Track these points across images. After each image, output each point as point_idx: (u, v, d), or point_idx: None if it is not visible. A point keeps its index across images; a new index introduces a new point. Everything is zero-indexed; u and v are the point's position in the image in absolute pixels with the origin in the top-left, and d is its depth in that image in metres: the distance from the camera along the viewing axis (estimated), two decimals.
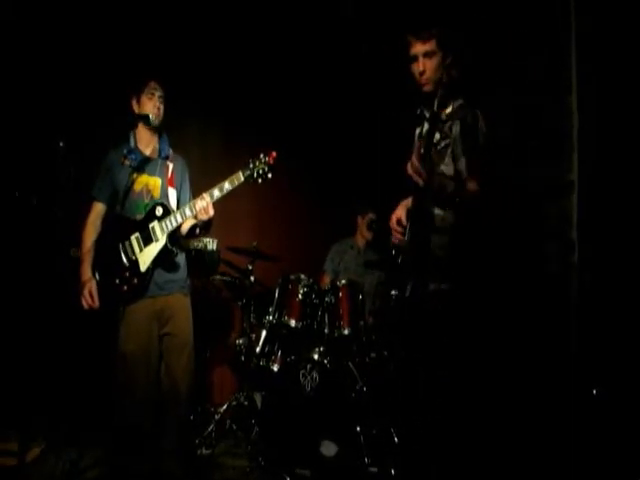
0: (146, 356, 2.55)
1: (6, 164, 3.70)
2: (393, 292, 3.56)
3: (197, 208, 2.49)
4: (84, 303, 2.58)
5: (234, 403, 3.53)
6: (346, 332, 3.20)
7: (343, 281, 3.38)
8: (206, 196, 2.49)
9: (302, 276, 3.36)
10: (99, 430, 3.01)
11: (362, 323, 3.28)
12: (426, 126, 2.31)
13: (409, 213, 2.16)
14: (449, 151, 2.16)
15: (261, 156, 2.45)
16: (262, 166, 2.43)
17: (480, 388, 2.07)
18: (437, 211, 2.17)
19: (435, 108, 2.12)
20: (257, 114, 4.29)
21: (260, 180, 2.45)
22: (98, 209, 2.73)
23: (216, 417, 3.44)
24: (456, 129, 2.15)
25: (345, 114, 4.32)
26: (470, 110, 2.16)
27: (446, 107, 2.18)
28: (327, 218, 4.41)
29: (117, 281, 2.58)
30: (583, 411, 2.30)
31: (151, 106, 2.63)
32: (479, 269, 2.15)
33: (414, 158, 2.04)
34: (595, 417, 2.25)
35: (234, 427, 3.46)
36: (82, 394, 3.37)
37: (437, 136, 2.15)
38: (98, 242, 2.67)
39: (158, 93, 2.65)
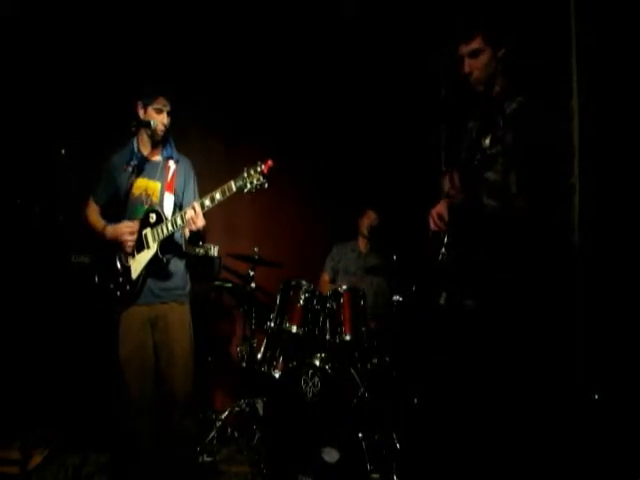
0: (140, 362, 2.55)
1: (8, 172, 3.72)
2: (395, 298, 3.57)
3: (186, 218, 2.43)
4: (127, 245, 2.56)
5: (236, 409, 3.52)
6: (348, 338, 3.20)
7: (344, 287, 3.38)
8: (196, 206, 2.42)
9: (303, 282, 3.36)
10: (101, 436, 3.02)
11: (364, 329, 3.28)
12: (478, 126, 2.13)
13: (450, 210, 2.01)
14: (500, 159, 1.93)
15: (256, 165, 2.35)
16: (256, 176, 2.32)
17: (487, 393, 2.04)
18: (483, 216, 1.99)
19: (493, 108, 1.96)
20: (258, 119, 4.30)
21: (254, 191, 2.35)
22: (92, 207, 2.76)
23: (218, 424, 3.44)
24: (510, 137, 1.91)
25: (346, 118, 4.32)
26: (530, 115, 1.91)
27: (503, 108, 1.96)
28: (328, 223, 4.40)
29: (112, 286, 2.59)
30: (584, 414, 2.30)
31: (157, 121, 2.60)
32: (520, 290, 1.97)
33: (455, 175, 1.91)
34: (596, 419, 2.24)
35: (236, 434, 3.45)
36: (84, 400, 3.37)
37: (487, 141, 1.95)
38: (98, 246, 2.67)
39: (167, 109, 2.61)
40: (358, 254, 4.12)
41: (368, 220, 4.09)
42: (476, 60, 2.01)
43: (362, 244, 4.16)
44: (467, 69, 2.03)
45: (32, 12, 3.77)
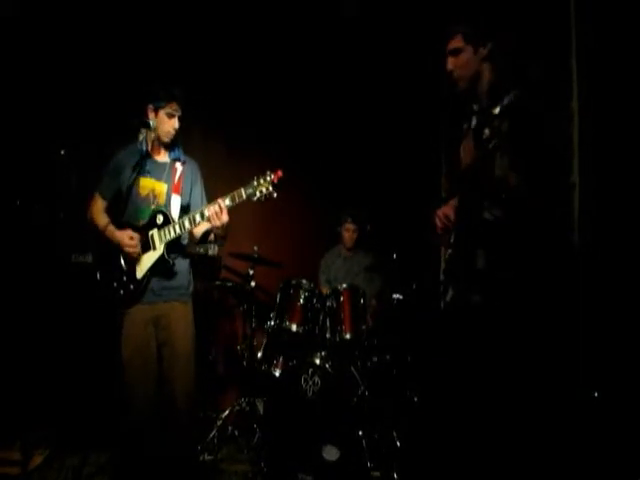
0: (143, 361, 2.54)
1: (8, 171, 3.71)
2: (395, 296, 3.58)
3: (207, 215, 2.46)
4: (131, 252, 2.53)
5: (236, 408, 3.53)
6: (348, 336, 3.21)
7: (344, 285, 3.39)
8: (221, 202, 2.45)
9: (303, 281, 3.37)
10: (101, 436, 3.02)
11: (364, 327, 3.29)
12: (474, 122, 2.14)
13: (457, 211, 2.03)
14: (498, 153, 1.95)
15: (266, 175, 2.39)
16: (266, 185, 2.37)
17: (487, 392, 2.04)
18: (487, 215, 1.99)
19: (484, 105, 1.98)
20: (259, 119, 4.30)
21: (263, 199, 2.40)
22: (99, 203, 2.71)
23: (218, 423, 3.44)
24: (506, 127, 1.91)
25: (346, 118, 4.33)
26: (525, 106, 1.92)
27: (497, 102, 1.95)
28: (328, 223, 4.40)
29: (115, 284, 2.59)
30: (584, 413, 2.31)
31: (168, 125, 2.60)
32: (525, 285, 1.98)
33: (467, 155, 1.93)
34: (596, 419, 2.25)
35: (236, 433, 3.46)
36: (84, 400, 3.37)
37: (486, 135, 1.93)
38: (101, 243, 2.65)
39: (178, 114, 2.60)
40: (344, 258, 4.09)
41: (348, 233, 4.04)
42: (457, 58, 2.07)
43: (345, 248, 4.12)
44: (449, 67, 2.09)
45: (32, 12, 3.77)
